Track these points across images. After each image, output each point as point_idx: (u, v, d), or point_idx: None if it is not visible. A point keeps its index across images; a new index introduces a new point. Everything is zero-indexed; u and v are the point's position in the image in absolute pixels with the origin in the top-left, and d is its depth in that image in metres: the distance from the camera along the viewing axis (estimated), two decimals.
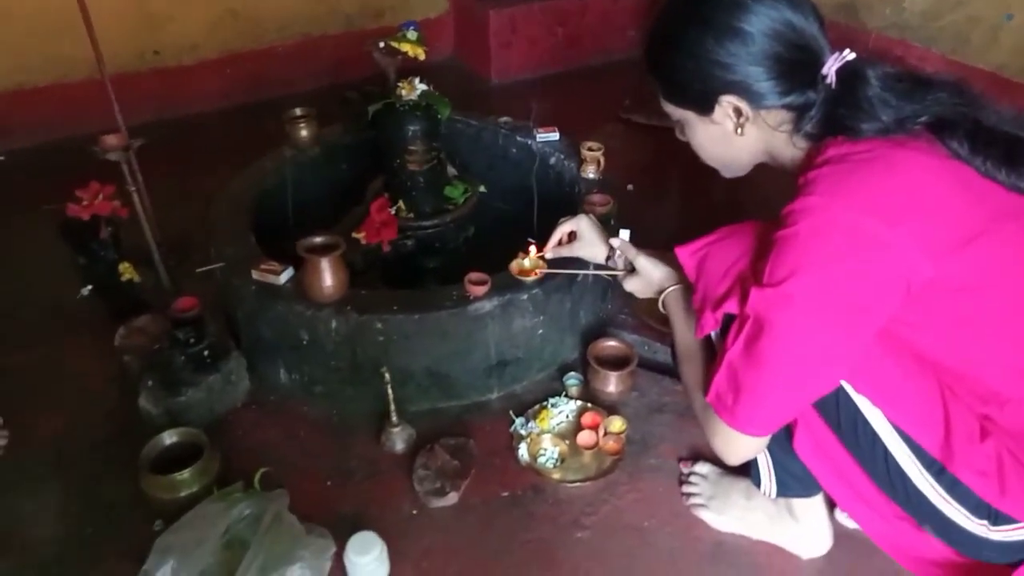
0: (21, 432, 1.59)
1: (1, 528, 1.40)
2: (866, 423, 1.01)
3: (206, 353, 1.61)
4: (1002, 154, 0.90)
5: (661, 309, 1.28)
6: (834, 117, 0.96)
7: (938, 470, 0.98)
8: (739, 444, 1.04)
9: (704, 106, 1.04)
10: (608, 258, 1.39)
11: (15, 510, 1.43)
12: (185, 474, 1.39)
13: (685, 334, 1.20)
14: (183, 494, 1.39)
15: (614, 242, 1.36)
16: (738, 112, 1.02)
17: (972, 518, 0.98)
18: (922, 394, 0.99)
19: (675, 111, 1.10)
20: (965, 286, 0.91)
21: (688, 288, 1.21)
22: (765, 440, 1.06)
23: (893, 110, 0.93)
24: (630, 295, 1.36)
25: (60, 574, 1.31)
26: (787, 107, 1.00)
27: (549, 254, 1.49)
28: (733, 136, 1.05)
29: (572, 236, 1.46)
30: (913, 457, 0.99)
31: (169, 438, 1.47)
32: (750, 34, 0.96)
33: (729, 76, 0.99)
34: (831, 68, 0.96)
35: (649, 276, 1.29)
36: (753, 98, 1.00)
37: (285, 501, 1.31)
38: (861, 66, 0.96)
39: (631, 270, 1.33)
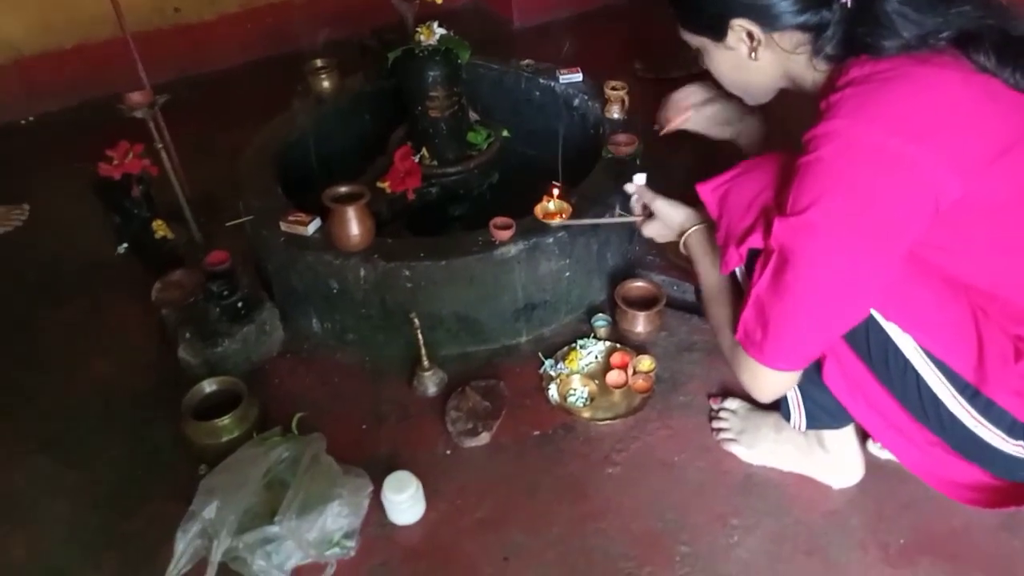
0: (68, 381, 1.66)
1: (54, 469, 1.47)
2: (896, 350, 1.00)
3: (240, 304, 1.64)
4: (997, 42, 0.86)
5: (683, 251, 1.26)
6: (853, 36, 0.93)
7: (972, 393, 0.97)
8: (770, 380, 1.04)
9: (718, 32, 1.03)
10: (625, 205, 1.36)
11: (68, 454, 1.50)
12: (226, 420, 1.43)
13: (710, 274, 1.19)
14: (224, 439, 1.43)
15: (628, 187, 1.34)
16: (751, 36, 1.00)
17: (1008, 439, 0.98)
18: (953, 317, 0.97)
19: (692, 38, 1.09)
20: (995, 204, 0.89)
21: (710, 227, 1.19)
22: (797, 375, 1.05)
23: (914, 25, 0.89)
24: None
25: (112, 513, 1.38)
26: (802, 28, 0.97)
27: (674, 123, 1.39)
28: (749, 61, 1.03)
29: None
30: (946, 382, 0.98)
31: (209, 386, 1.52)
32: None
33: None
34: None
35: (669, 219, 1.27)
36: (765, 20, 0.97)
37: (322, 444, 1.34)
38: None
39: (649, 215, 1.31)
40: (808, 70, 1.01)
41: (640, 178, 1.34)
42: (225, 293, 1.63)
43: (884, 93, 0.88)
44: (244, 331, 1.63)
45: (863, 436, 1.31)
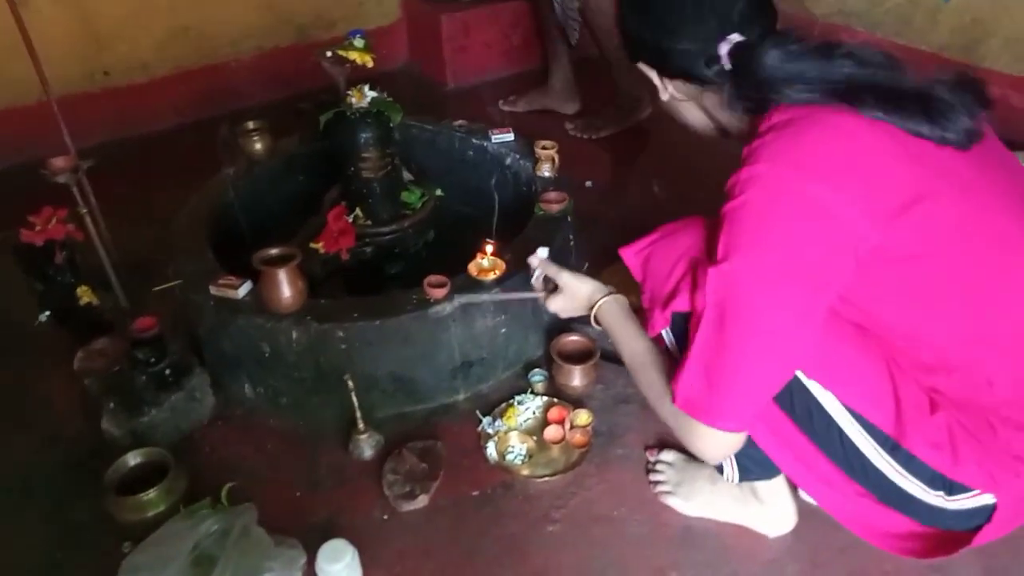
0: None
1: None
2: (819, 406, 1.02)
3: (167, 372, 1.60)
4: (919, 109, 0.89)
5: (594, 325, 1.24)
6: (746, 94, 0.97)
7: (892, 446, 0.99)
8: (720, 441, 1.00)
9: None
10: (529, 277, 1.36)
11: None
12: (151, 494, 1.38)
13: (630, 342, 1.15)
14: (150, 514, 1.38)
15: (532, 260, 1.33)
16: (687, 93, 1.06)
17: (929, 490, 1.00)
18: (870, 372, 1.00)
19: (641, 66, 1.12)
20: (908, 254, 0.90)
21: (618, 297, 1.21)
22: (744, 435, 1.01)
23: (796, 80, 0.92)
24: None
25: None
26: (688, 80, 1.03)
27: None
28: (672, 100, 1.09)
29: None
30: (867, 436, 1.01)
31: (133, 459, 1.46)
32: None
33: (639, 42, 1.06)
34: (723, 51, 0.97)
35: (575, 292, 1.25)
36: (659, 66, 1.05)
37: (253, 515, 1.30)
38: (753, 45, 0.95)
39: (553, 289, 1.31)
40: (731, 119, 1.06)
41: (543, 252, 1.33)
42: (152, 360, 1.59)
43: (801, 138, 0.90)
44: (172, 399, 1.58)
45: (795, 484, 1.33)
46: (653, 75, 1.07)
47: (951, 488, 0.99)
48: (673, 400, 1.01)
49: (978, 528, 1.02)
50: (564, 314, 1.31)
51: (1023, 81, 2.34)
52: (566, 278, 1.26)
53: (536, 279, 1.34)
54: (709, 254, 0.96)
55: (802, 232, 0.88)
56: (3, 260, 1.84)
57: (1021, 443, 0.95)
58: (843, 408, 1.01)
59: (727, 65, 0.97)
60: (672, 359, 1.10)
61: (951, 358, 0.96)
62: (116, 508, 1.37)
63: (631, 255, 1.16)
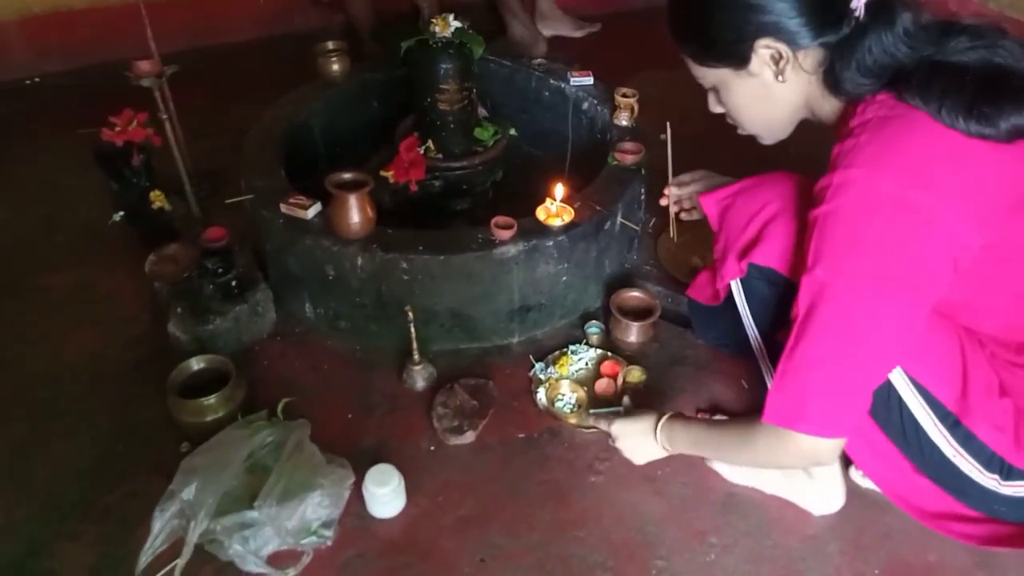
0: (55, 349, 1.64)
1: (38, 438, 1.46)
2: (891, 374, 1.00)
3: (234, 283, 1.63)
4: (967, 100, 0.85)
5: (667, 448, 1.23)
6: (861, 60, 0.92)
7: (953, 422, 0.98)
8: (822, 448, 0.96)
9: (740, 58, 0.99)
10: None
11: (51, 423, 1.49)
12: (212, 399, 1.43)
13: (712, 434, 1.16)
14: (209, 419, 1.42)
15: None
16: (776, 57, 0.97)
17: (984, 472, 0.99)
18: (941, 346, 0.98)
19: (708, 74, 1.04)
20: (1009, 255, 0.89)
21: (671, 418, 1.21)
22: (842, 441, 0.98)
23: (910, 51, 0.89)
24: (656, 247, 1.35)
25: (92, 485, 1.37)
26: (824, 46, 0.95)
27: (674, 190, 1.47)
28: (774, 86, 1.00)
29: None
30: (928, 408, 0.99)
31: (197, 364, 1.51)
32: None
33: (760, 17, 0.94)
34: (859, 3, 0.91)
35: (637, 418, 1.27)
36: (788, 37, 0.94)
37: (307, 430, 1.34)
38: (891, 5, 0.91)
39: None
40: (825, 100, 1.01)
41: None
42: (220, 271, 1.62)
43: (898, 141, 0.87)
44: (236, 310, 1.62)
45: (846, 463, 1.31)
46: (767, 60, 0.97)
47: (1008, 472, 0.98)
48: (764, 415, 0.97)
49: None
50: (627, 447, 1.30)
51: None
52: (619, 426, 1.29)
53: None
54: (802, 257, 0.93)
55: (902, 240, 0.86)
56: (84, 158, 1.88)
57: None
58: (906, 377, 0.99)
59: (861, 16, 0.91)
60: (735, 329, 1.12)
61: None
62: (178, 409, 1.43)
63: (711, 203, 1.15)
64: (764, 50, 0.97)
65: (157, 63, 1.84)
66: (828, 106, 1.01)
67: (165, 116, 1.86)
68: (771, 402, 0.96)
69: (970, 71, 0.86)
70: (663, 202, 1.49)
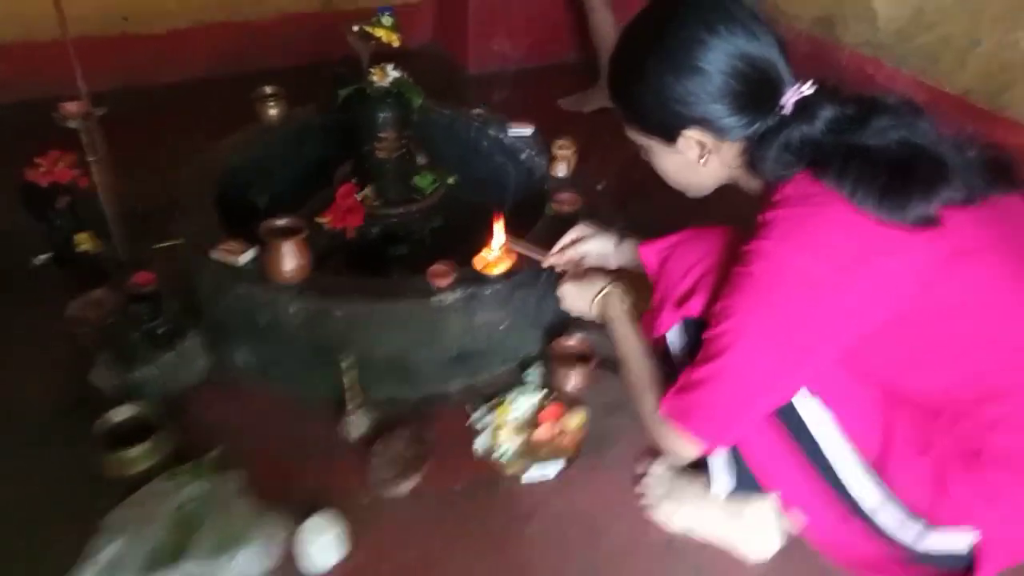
0: None
1: None
2: (814, 424, 1.05)
3: (162, 330, 1.58)
4: (878, 189, 0.91)
5: (596, 311, 1.34)
6: (786, 145, 0.99)
7: (876, 478, 1.02)
8: (688, 447, 1.07)
9: (668, 137, 1.07)
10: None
11: None
12: (137, 451, 1.37)
13: (628, 337, 1.24)
14: (135, 471, 1.37)
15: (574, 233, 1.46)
16: (701, 145, 1.05)
17: (905, 524, 1.03)
18: (867, 402, 1.03)
19: (639, 137, 1.12)
20: (917, 322, 0.95)
21: (626, 289, 1.30)
22: (700, 449, 1.08)
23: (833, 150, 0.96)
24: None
25: (5, 549, 1.29)
26: (748, 138, 1.02)
27: (552, 259, 1.50)
28: (697, 165, 1.07)
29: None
30: (855, 461, 1.04)
31: (121, 414, 1.45)
32: (708, 72, 0.98)
33: (690, 111, 1.01)
34: (788, 100, 0.99)
35: (589, 278, 1.37)
36: (716, 132, 1.02)
37: (238, 482, 1.30)
38: (815, 102, 0.98)
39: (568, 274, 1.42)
40: (748, 179, 1.08)
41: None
42: (147, 317, 1.57)
43: (811, 219, 0.94)
44: (165, 358, 1.57)
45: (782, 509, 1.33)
46: (692, 144, 1.06)
47: (925, 527, 1.03)
48: (658, 405, 1.08)
49: (953, 571, 1.04)
50: (566, 299, 1.40)
51: None
52: (596, 270, 1.38)
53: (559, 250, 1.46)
54: (712, 305, 1.02)
55: (798, 308, 0.94)
56: (8, 197, 1.81)
57: (995, 480, 0.97)
58: (837, 429, 1.04)
59: (788, 112, 0.99)
60: (664, 364, 1.16)
61: (947, 406, 0.99)
62: (101, 462, 1.36)
63: (651, 253, 1.19)
64: (691, 136, 1.04)
65: (85, 104, 1.80)
66: (751, 183, 1.08)
67: (93, 158, 1.81)
68: (667, 401, 1.07)
69: (884, 158, 0.93)
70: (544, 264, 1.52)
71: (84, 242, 1.86)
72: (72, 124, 1.78)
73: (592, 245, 1.46)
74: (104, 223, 1.89)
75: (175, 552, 1.17)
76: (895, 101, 0.99)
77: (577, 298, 1.38)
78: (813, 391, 1.04)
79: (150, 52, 2.82)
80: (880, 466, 1.02)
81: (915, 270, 0.92)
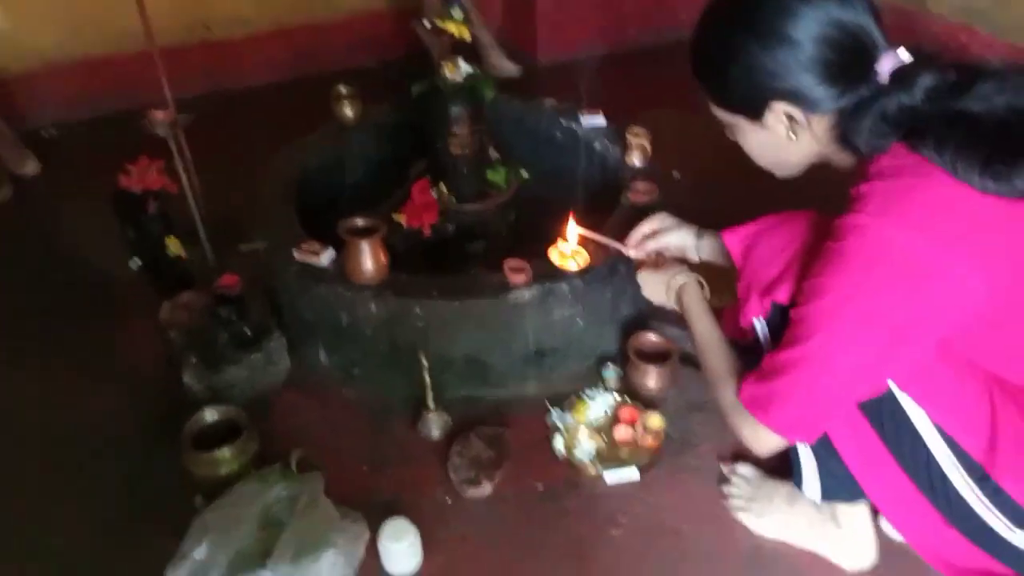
0: (75, 404, 1.64)
1: (51, 501, 1.44)
2: (908, 422, 0.99)
3: (248, 331, 1.63)
4: (981, 158, 0.84)
5: (672, 299, 1.31)
6: (882, 116, 0.92)
7: (980, 475, 0.96)
8: (772, 441, 1.03)
9: (755, 112, 1.01)
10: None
11: (67, 482, 1.48)
12: (225, 452, 1.40)
13: (706, 325, 1.21)
14: (223, 471, 1.40)
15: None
16: (790, 118, 0.99)
17: (1014, 528, 0.96)
18: (969, 396, 0.96)
19: (725, 115, 1.06)
20: (1021, 302, 0.88)
21: (701, 281, 1.28)
22: (783, 442, 1.04)
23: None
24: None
25: (103, 549, 1.35)
26: (840, 111, 0.96)
27: (632, 252, 1.45)
28: (786, 141, 1.01)
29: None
30: (955, 460, 0.97)
31: (210, 415, 1.49)
32: (798, 41, 0.93)
33: (779, 84, 0.96)
34: (885, 68, 0.92)
35: (671, 269, 1.33)
36: (806, 104, 0.96)
37: (320, 484, 1.31)
38: (914, 71, 0.91)
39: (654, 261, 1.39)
40: (839, 154, 1.01)
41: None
42: (233, 318, 1.62)
43: (909, 192, 0.88)
44: (251, 359, 1.61)
45: (876, 515, 1.27)
46: (781, 118, 0.99)
47: None
48: (738, 392, 1.04)
49: None
50: (645, 287, 1.37)
51: None
52: (676, 260, 1.36)
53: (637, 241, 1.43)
54: (803, 282, 0.96)
55: (896, 288, 0.88)
56: (100, 205, 1.89)
57: None
58: (933, 427, 0.98)
59: (884, 82, 0.92)
60: (744, 353, 1.12)
61: None
62: (191, 462, 1.41)
63: (735, 240, 1.16)
64: (780, 110, 0.98)
65: (172, 112, 1.86)
66: (843, 158, 1.01)
67: (180, 164, 1.87)
68: (747, 387, 1.03)
69: (989, 125, 0.86)
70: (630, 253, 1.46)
71: (174, 246, 1.92)
72: (160, 132, 1.85)
73: (672, 237, 1.41)
74: (192, 228, 1.95)
75: (260, 554, 1.19)
76: (1001, 66, 0.91)
77: (656, 285, 1.34)
78: (906, 384, 0.97)
79: (230, 58, 2.90)
80: (988, 463, 0.95)
81: (1019, 249, 0.86)
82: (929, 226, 0.86)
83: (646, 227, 1.44)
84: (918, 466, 1.00)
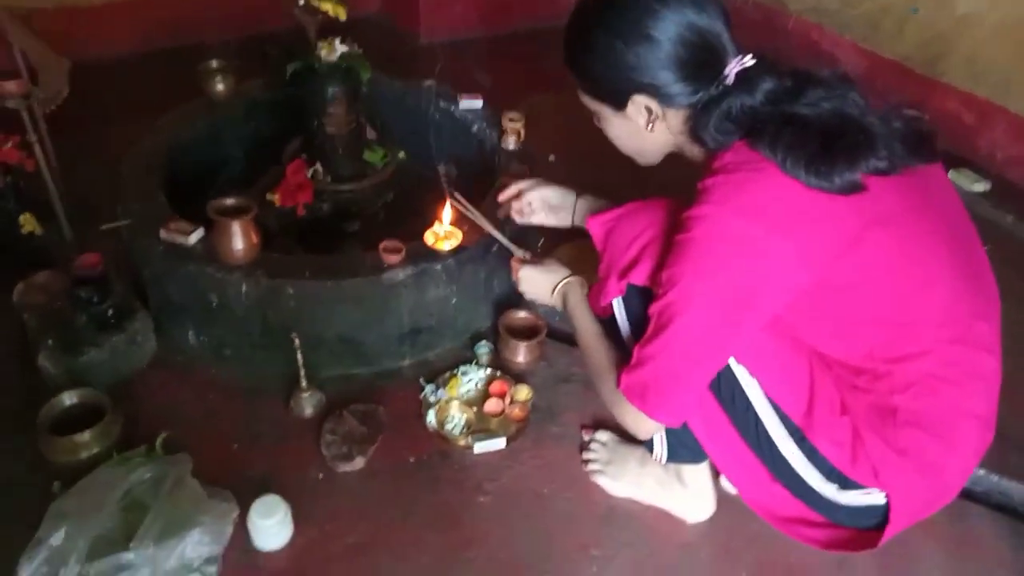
0: None
1: None
2: (743, 390, 1.10)
3: (110, 312, 1.58)
4: (807, 156, 0.95)
5: (557, 301, 1.36)
6: (726, 115, 1.02)
7: (800, 436, 1.08)
8: (648, 424, 1.11)
9: (617, 103, 1.10)
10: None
11: None
12: (85, 436, 1.37)
13: (587, 321, 1.27)
14: (83, 456, 1.37)
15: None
16: (649, 110, 1.08)
17: (825, 481, 1.09)
18: (793, 368, 1.08)
19: (591, 103, 1.15)
20: (841, 286, 0.99)
21: (583, 282, 1.33)
22: (661, 426, 1.14)
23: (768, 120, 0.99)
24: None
25: None
26: (692, 107, 1.05)
27: (514, 209, 1.54)
28: (645, 131, 1.11)
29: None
30: (780, 423, 1.09)
31: (69, 399, 1.45)
32: (658, 40, 1.02)
33: (640, 78, 1.05)
34: (731, 71, 1.03)
35: (550, 267, 1.39)
36: (663, 99, 1.06)
37: (188, 465, 1.31)
38: (756, 75, 1.02)
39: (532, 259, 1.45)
40: (691, 146, 1.11)
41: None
42: (95, 299, 1.57)
43: (747, 184, 0.98)
44: (113, 341, 1.57)
45: (716, 473, 1.39)
46: (641, 110, 1.09)
47: (844, 483, 1.09)
48: (617, 384, 1.10)
49: (869, 529, 1.11)
50: (526, 285, 1.42)
51: (974, 100, 2.42)
52: (553, 259, 1.42)
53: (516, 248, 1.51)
54: (657, 273, 1.05)
55: (737, 268, 0.98)
56: None
57: (908, 438, 1.03)
58: (763, 394, 1.10)
59: (730, 82, 1.02)
60: (618, 341, 1.21)
61: (867, 366, 1.05)
62: (49, 448, 1.37)
63: (597, 224, 1.23)
64: (640, 103, 1.08)
65: (24, 83, 1.76)
66: (694, 151, 1.12)
67: (35, 139, 1.77)
68: (623, 378, 1.10)
69: (814, 127, 0.97)
70: (500, 198, 1.57)
71: (28, 223, 1.83)
72: (10, 104, 1.74)
73: (539, 193, 1.51)
74: (49, 205, 1.86)
75: (123, 539, 1.18)
76: (828, 74, 1.03)
77: (538, 285, 1.41)
78: (741, 359, 1.09)
79: (92, 25, 2.74)
80: (806, 426, 1.07)
81: (839, 235, 0.97)
82: (761, 213, 0.96)
83: (514, 187, 1.53)
84: (749, 428, 1.12)
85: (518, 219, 1.55)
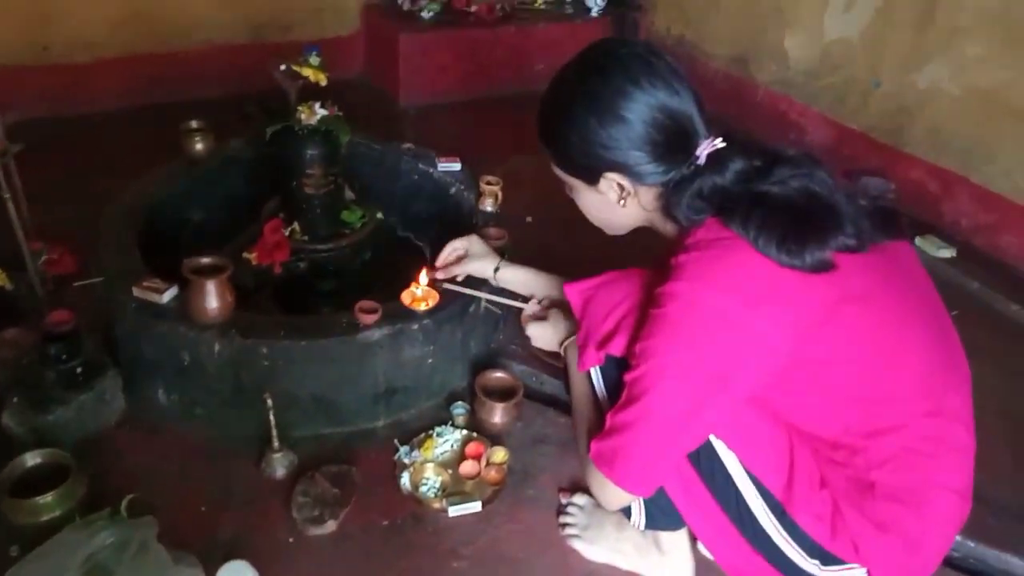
0: None
1: None
2: (722, 464, 1.10)
3: (79, 370, 1.55)
4: (778, 235, 0.97)
5: (562, 355, 1.38)
6: (698, 193, 1.05)
7: (780, 512, 1.07)
8: (617, 495, 1.10)
9: (590, 178, 1.13)
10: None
11: None
12: (47, 498, 1.33)
13: (581, 385, 1.27)
14: (45, 519, 1.33)
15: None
16: (621, 187, 1.11)
17: (806, 558, 1.08)
18: (772, 443, 1.08)
19: (564, 176, 1.18)
20: (816, 361, 1.01)
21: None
22: (631, 496, 1.12)
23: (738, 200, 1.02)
24: (520, 326, 1.48)
25: None
26: (664, 184, 1.08)
27: (440, 274, 1.59)
28: (616, 206, 1.13)
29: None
30: (760, 498, 1.08)
31: (32, 459, 1.41)
32: (630, 121, 1.05)
33: (612, 157, 1.08)
34: (703, 152, 1.06)
35: (558, 322, 1.41)
36: (635, 177, 1.09)
37: (153, 529, 1.27)
38: (726, 155, 1.05)
39: (542, 315, 1.47)
40: (663, 223, 1.14)
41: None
42: (64, 357, 1.54)
43: (720, 261, 1.00)
44: (81, 399, 1.54)
45: (694, 539, 1.38)
46: (613, 187, 1.11)
47: (825, 559, 1.08)
48: (587, 451, 1.10)
49: None
50: (536, 341, 1.44)
51: (938, 170, 2.51)
52: (557, 310, 1.44)
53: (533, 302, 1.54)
54: (632, 345, 1.06)
55: (711, 341, 0.99)
56: None
57: (886, 512, 1.03)
58: (743, 469, 1.09)
59: (701, 163, 1.05)
60: (597, 407, 1.20)
61: (844, 441, 1.05)
62: (9, 509, 1.32)
63: (575, 293, 1.24)
64: (612, 179, 1.10)
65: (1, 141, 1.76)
66: (666, 226, 1.14)
67: (8, 196, 1.76)
68: (594, 445, 1.10)
69: (784, 206, 1.00)
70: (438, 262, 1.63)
71: None
72: None
73: (474, 266, 1.59)
74: (19, 259, 1.83)
75: None
76: (796, 153, 1.07)
77: (547, 341, 1.43)
78: (720, 433, 1.09)
79: (76, 82, 2.77)
80: (786, 500, 1.07)
81: (812, 311, 0.98)
82: (735, 289, 0.98)
83: (452, 248, 1.60)
84: (729, 501, 1.12)
85: (440, 275, 1.60)
